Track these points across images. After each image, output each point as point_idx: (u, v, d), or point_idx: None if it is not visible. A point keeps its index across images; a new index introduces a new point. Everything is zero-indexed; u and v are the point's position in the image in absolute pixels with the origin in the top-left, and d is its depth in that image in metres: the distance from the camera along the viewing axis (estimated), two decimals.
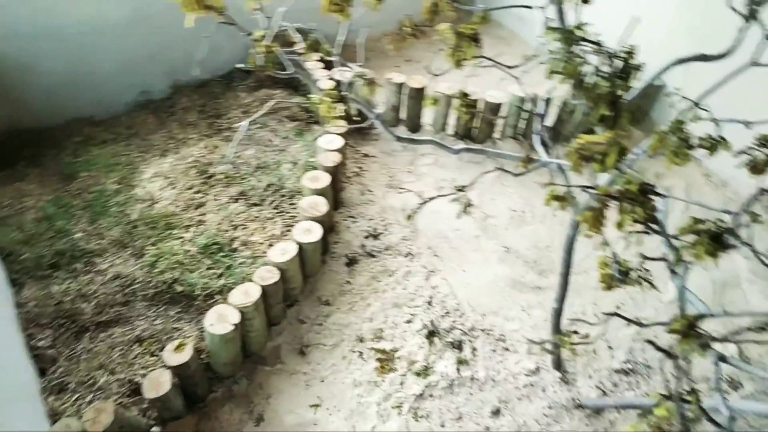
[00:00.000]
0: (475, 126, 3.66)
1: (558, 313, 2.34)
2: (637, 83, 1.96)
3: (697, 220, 0.87)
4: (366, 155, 3.57)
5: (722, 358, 1.10)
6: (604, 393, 2.48)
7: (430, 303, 2.76)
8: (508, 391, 2.45)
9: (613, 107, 0.92)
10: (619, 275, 1.10)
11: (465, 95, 1.73)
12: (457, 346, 2.59)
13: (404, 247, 3.01)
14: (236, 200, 2.93)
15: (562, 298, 2.31)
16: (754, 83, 2.27)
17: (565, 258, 2.14)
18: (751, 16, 1.57)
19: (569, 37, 1.06)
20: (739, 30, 1.58)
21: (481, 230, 3.16)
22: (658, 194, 0.87)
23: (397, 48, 1.41)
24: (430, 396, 2.40)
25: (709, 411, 1.28)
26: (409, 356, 2.52)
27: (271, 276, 2.32)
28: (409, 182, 3.43)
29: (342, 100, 1.51)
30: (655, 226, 0.87)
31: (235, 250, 2.69)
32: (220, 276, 2.55)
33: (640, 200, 0.85)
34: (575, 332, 2.68)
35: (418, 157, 3.61)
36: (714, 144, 1.07)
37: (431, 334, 2.63)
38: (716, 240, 0.84)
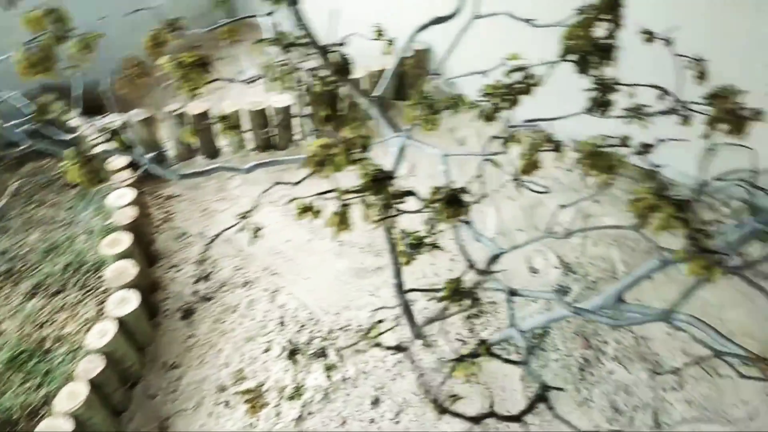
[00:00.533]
0: (273, 134, 3.61)
1: (400, 287, 2.42)
2: (391, 60, 2.07)
3: (437, 189, 0.92)
4: (170, 197, 3.34)
5: (513, 293, 1.19)
6: (464, 342, 2.63)
7: (282, 323, 2.69)
8: (380, 377, 2.49)
9: (334, 105, 0.93)
10: (410, 249, 1.15)
11: (224, 117, 1.67)
12: (321, 354, 2.57)
13: (239, 277, 2.89)
14: (33, 295, 2.57)
15: (398, 273, 2.38)
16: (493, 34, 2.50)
17: (387, 236, 2.21)
18: None
19: (281, 43, 1.05)
20: None
21: (311, 233, 3.14)
22: (391, 177, 0.90)
23: (132, 91, 1.30)
24: (309, 414, 2.35)
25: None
26: (276, 385, 2.44)
27: (95, 365, 2.07)
28: (225, 209, 3.28)
29: (91, 158, 1.36)
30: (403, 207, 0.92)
31: (48, 351, 2.36)
32: (39, 387, 2.22)
33: (379, 189, 0.87)
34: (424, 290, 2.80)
35: (226, 182, 3.47)
36: (455, 103, 1.15)
37: (293, 354, 2.57)
38: (455, 202, 0.90)
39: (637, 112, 1.26)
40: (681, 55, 1.58)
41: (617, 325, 2.50)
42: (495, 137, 1.14)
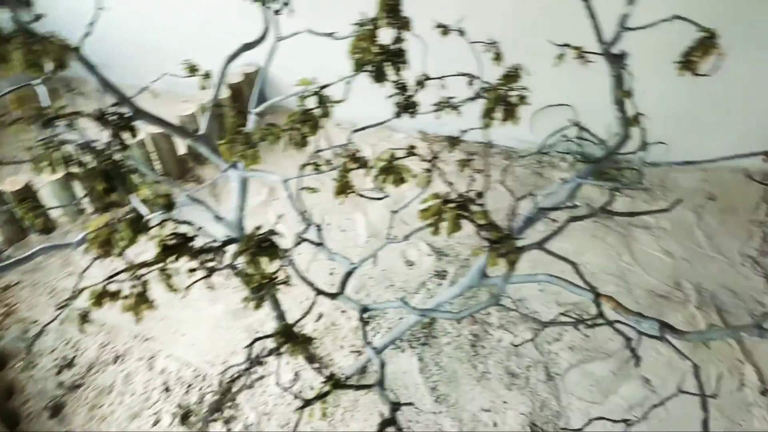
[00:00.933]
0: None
1: (282, 317, 2.35)
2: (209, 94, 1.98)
3: (249, 237, 0.89)
4: (7, 287, 2.97)
5: (365, 309, 1.19)
6: (359, 353, 2.63)
7: (167, 389, 2.51)
8: (283, 414, 2.41)
9: (109, 178, 0.86)
10: (253, 294, 1.10)
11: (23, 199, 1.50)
12: (216, 409, 2.43)
13: (108, 353, 2.64)
14: None
15: (276, 305, 2.31)
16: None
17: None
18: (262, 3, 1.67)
19: (47, 120, 0.95)
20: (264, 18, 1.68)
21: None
22: (190, 240, 0.85)
23: None
24: None
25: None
26: None
27: None
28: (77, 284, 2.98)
29: None
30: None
31: None
32: None
33: (180, 253, 0.82)
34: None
35: (71, 255, 3.15)
36: (270, 133, 1.12)
37: (185, 418, 2.40)
38: (267, 247, 0.88)
39: (447, 104, 1.31)
40: (477, 42, 1.68)
41: (460, 317, 2.62)
42: (305, 164, 1.12)
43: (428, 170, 1.17)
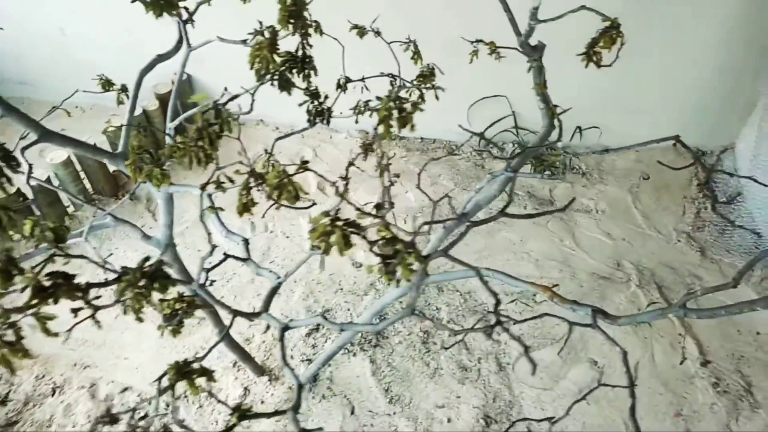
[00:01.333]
0: None
1: (226, 333, 2.29)
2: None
3: (139, 265, 0.84)
4: None
5: (286, 327, 1.15)
6: (310, 360, 2.58)
7: (110, 418, 2.40)
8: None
9: None
10: (165, 322, 1.05)
11: None
12: None
13: (45, 386, 2.51)
14: None
15: (217, 322, 2.25)
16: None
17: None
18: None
19: None
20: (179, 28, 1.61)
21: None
22: (71, 278, 0.80)
23: None
24: None
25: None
26: None
27: None
28: None
29: None
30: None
31: None
32: None
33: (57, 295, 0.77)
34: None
35: None
36: (174, 150, 1.06)
37: None
38: (158, 278, 0.83)
39: (365, 107, 1.28)
40: (394, 42, 1.65)
41: (378, 330, 2.63)
42: (206, 183, 1.08)
43: (345, 178, 1.14)
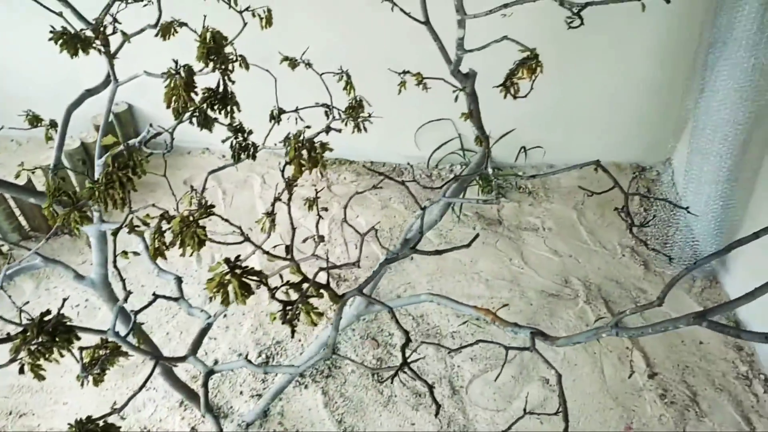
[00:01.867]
0: None
1: (169, 372, 2.21)
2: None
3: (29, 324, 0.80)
4: None
5: (211, 372, 1.12)
6: (260, 395, 2.52)
7: None
8: None
9: None
10: (84, 372, 1.00)
11: None
12: None
13: None
14: None
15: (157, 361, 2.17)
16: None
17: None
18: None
19: None
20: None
21: None
22: None
23: None
24: None
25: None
26: None
27: None
28: None
29: None
30: None
31: None
32: None
33: None
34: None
35: None
36: (91, 193, 1.02)
37: None
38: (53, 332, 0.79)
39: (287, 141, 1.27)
40: (326, 73, 1.66)
41: (299, 371, 2.62)
42: (119, 228, 1.04)
43: (269, 214, 1.12)
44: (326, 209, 1.26)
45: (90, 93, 1.75)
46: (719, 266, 3.09)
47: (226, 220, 1.11)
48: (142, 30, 1.61)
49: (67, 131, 1.76)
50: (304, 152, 0.98)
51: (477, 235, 1.53)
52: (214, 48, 1.11)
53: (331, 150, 1.04)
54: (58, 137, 1.77)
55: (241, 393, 2.53)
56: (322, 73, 1.61)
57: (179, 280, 1.51)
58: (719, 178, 2.78)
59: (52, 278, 2.93)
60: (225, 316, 2.82)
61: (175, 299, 1.40)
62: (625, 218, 1.24)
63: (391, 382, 2.58)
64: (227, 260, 0.72)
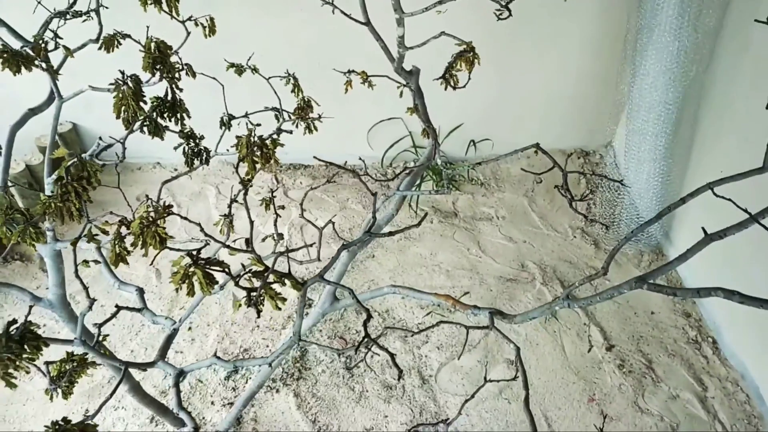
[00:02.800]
0: None
1: (136, 389, 2.19)
2: None
3: None
4: None
5: (181, 373, 1.14)
6: (231, 403, 2.52)
7: None
8: None
9: None
10: (53, 386, 1.01)
11: None
12: None
13: None
14: None
15: (123, 381, 2.15)
16: None
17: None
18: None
19: None
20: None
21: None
22: None
23: None
24: None
25: None
26: None
27: None
28: None
29: None
30: None
31: None
32: None
33: None
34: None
35: None
36: (44, 207, 1.02)
37: None
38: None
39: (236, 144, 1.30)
40: (273, 77, 1.69)
41: (269, 362, 2.67)
42: (77, 239, 1.06)
43: (227, 215, 1.15)
44: (283, 207, 1.29)
45: (33, 112, 1.73)
46: (664, 240, 3.27)
47: (185, 218, 1.14)
48: (84, 45, 1.61)
49: (11, 153, 1.74)
50: (256, 149, 1.02)
51: (426, 215, 1.60)
52: (159, 57, 1.13)
53: (282, 145, 1.08)
54: (2, 159, 1.74)
55: (212, 403, 2.53)
56: (269, 77, 1.64)
57: (141, 291, 1.51)
58: (656, 156, 2.94)
59: (6, 306, 2.84)
60: (190, 329, 2.80)
61: (138, 310, 1.41)
62: (564, 194, 1.32)
63: (359, 365, 2.62)
64: (189, 253, 0.75)
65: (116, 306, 1.38)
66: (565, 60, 3.39)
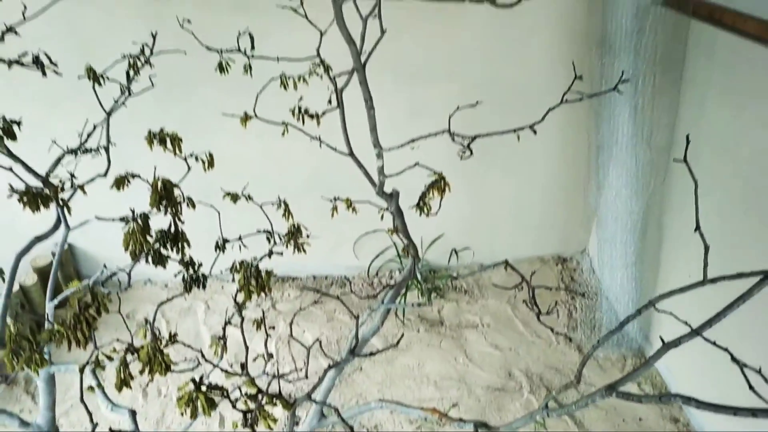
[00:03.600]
0: None
1: None
2: None
3: None
4: None
5: None
6: None
7: None
8: None
9: None
10: None
11: None
12: None
13: None
14: None
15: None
16: None
17: None
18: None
19: None
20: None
21: None
22: None
23: None
24: None
25: None
26: None
27: None
28: None
29: None
30: None
31: None
32: None
33: None
34: None
35: None
36: (54, 335, 1.10)
37: None
38: None
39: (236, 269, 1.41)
40: (265, 203, 1.85)
41: None
42: (85, 364, 1.13)
43: (221, 338, 1.24)
44: (273, 327, 1.38)
45: (39, 239, 1.85)
46: (645, 344, 3.34)
47: (189, 346, 1.22)
48: (92, 180, 1.77)
49: (15, 277, 1.83)
50: (252, 279, 1.13)
51: (402, 336, 1.68)
52: (165, 194, 1.27)
53: (275, 276, 1.19)
54: (6, 284, 1.83)
55: None
56: (262, 204, 1.80)
57: (133, 414, 1.54)
58: (627, 263, 3.10)
59: None
60: None
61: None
62: (531, 308, 1.43)
63: None
64: (193, 380, 0.83)
65: (110, 429, 1.41)
66: (532, 173, 3.65)
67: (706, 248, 1.24)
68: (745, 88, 2.34)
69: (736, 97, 2.41)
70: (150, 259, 1.19)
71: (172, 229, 1.29)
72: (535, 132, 1.45)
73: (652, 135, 2.90)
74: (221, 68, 1.78)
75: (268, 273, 1.17)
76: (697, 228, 1.22)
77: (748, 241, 2.37)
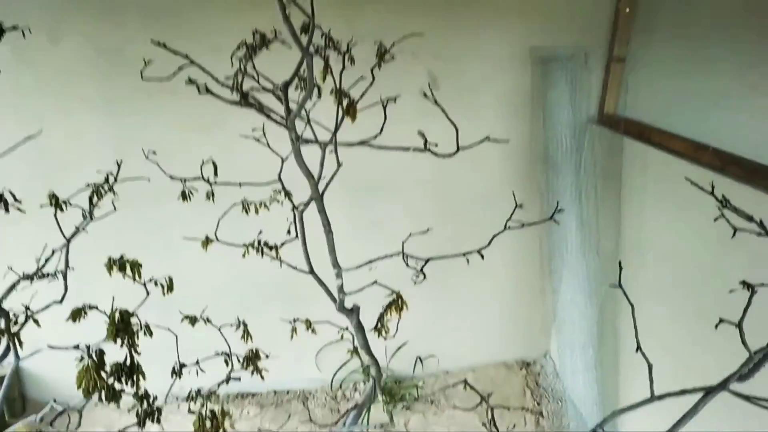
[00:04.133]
0: None
1: None
2: None
3: None
4: None
5: None
6: None
7: None
8: None
9: None
10: None
11: None
12: None
13: None
14: None
15: None
16: None
17: None
18: None
19: None
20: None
21: None
22: None
23: None
24: None
25: None
26: None
27: None
28: None
29: None
30: None
31: None
32: None
33: None
34: None
35: None
36: None
37: None
38: None
39: (198, 394, 1.39)
40: (224, 325, 1.85)
41: None
42: None
43: None
44: None
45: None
46: None
47: None
48: (47, 306, 1.75)
49: None
50: (208, 421, 1.12)
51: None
52: (122, 326, 1.27)
53: (231, 417, 1.18)
54: None
55: None
56: (221, 326, 1.79)
57: None
58: (588, 366, 3.13)
59: None
60: None
61: None
62: (490, 429, 1.43)
63: None
64: None
65: None
66: (493, 279, 3.74)
67: (650, 366, 1.31)
68: (678, 200, 2.54)
69: (671, 205, 2.60)
70: (103, 396, 1.17)
71: (128, 361, 1.27)
72: (482, 257, 1.53)
73: (600, 243, 3.06)
74: (184, 197, 1.84)
75: (224, 413, 1.16)
76: (638, 349, 1.30)
77: (701, 340, 2.46)
